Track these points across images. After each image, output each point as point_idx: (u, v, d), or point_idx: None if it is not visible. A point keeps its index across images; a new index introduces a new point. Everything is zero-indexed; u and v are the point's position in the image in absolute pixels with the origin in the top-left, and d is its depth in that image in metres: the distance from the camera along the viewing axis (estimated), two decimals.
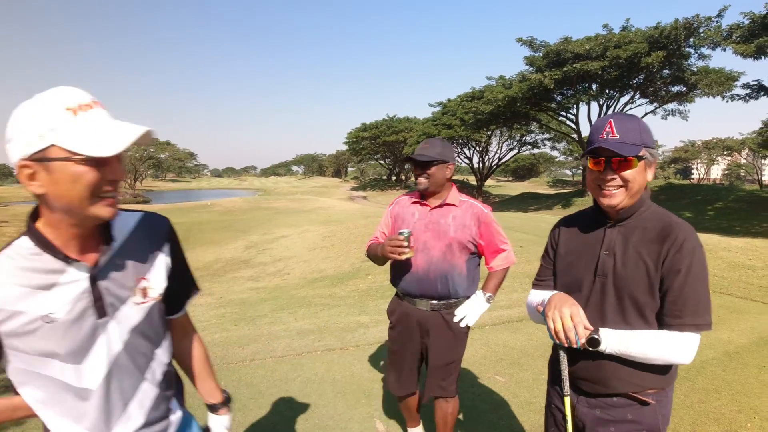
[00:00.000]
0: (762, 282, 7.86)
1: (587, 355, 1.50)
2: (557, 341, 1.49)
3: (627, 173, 1.46)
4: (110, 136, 0.97)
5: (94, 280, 1.08)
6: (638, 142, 1.44)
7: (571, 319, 1.45)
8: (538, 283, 1.78)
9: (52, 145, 0.95)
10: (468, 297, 2.56)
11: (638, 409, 1.51)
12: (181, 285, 1.33)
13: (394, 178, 76.77)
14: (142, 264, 1.18)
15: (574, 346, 1.46)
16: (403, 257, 2.37)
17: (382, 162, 79.40)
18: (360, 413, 3.36)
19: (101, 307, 1.09)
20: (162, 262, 1.23)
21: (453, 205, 2.52)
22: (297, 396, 3.59)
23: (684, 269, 1.42)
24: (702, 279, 1.44)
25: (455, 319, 2.50)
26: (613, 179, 1.47)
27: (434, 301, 2.52)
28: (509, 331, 5.28)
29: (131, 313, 1.14)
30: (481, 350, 4.63)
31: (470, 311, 2.51)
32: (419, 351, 2.64)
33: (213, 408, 1.46)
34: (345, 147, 78.72)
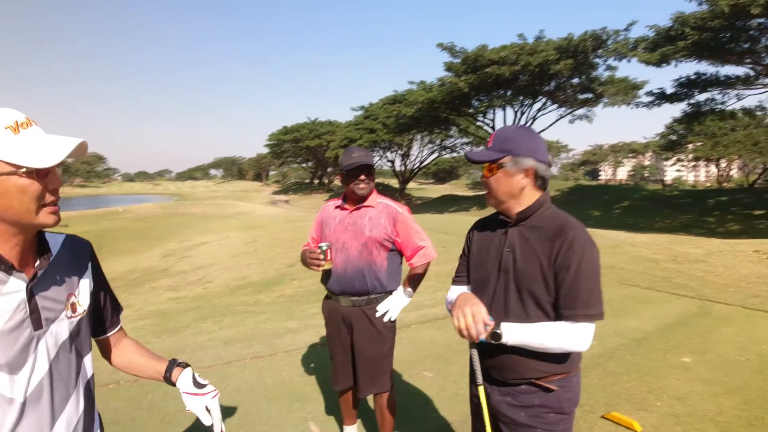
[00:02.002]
0: (665, 273, 8.64)
1: (495, 347, 1.66)
2: (462, 337, 1.64)
3: (488, 180, 1.69)
4: (49, 148, 1.06)
5: (31, 293, 1.12)
6: (499, 150, 1.65)
7: (472, 317, 1.59)
8: (456, 279, 1.96)
9: None
10: (389, 292, 2.72)
11: (544, 395, 1.68)
12: (109, 302, 1.43)
13: (317, 181, 76.35)
14: (71, 281, 1.25)
15: (477, 341, 1.62)
16: (321, 269, 2.61)
17: (304, 165, 78.73)
18: (294, 417, 3.40)
19: (37, 319, 1.13)
20: (86, 280, 1.30)
21: (370, 206, 2.71)
22: (228, 405, 3.57)
23: (575, 265, 1.56)
24: (592, 273, 1.58)
25: (377, 314, 2.66)
26: (485, 183, 1.71)
27: (354, 298, 2.68)
28: (434, 328, 5.49)
29: (62, 327, 1.19)
30: (408, 348, 4.79)
31: (391, 306, 2.68)
32: (348, 346, 2.77)
33: (167, 376, 1.45)
34: (266, 150, 77.32)
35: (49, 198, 1.10)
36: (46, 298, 1.15)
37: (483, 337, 1.59)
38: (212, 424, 1.44)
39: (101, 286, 1.38)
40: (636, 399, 3.72)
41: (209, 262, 14.43)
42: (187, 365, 1.47)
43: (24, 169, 1.03)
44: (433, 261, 2.82)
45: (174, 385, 1.45)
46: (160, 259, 15.65)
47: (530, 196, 1.69)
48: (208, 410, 1.43)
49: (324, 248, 2.57)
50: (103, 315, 1.40)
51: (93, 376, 1.33)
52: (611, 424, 3.31)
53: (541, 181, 1.69)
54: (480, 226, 1.91)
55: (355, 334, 2.71)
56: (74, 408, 1.22)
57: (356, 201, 2.71)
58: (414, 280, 2.75)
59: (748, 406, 3.57)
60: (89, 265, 1.33)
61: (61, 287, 1.20)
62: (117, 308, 1.46)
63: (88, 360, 1.30)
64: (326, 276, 2.75)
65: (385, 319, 2.67)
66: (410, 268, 2.78)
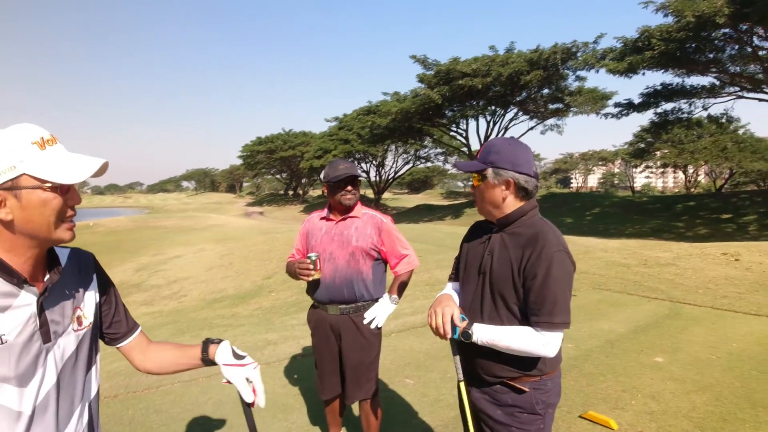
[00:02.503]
0: (636, 278, 8.86)
1: (474, 348, 1.76)
2: (435, 335, 1.77)
3: (476, 189, 1.81)
4: (74, 166, 1.10)
5: (41, 306, 1.14)
6: (483, 161, 1.76)
7: (442, 317, 1.73)
8: (451, 276, 2.10)
9: (23, 174, 1.05)
10: (375, 300, 2.78)
11: (515, 395, 1.76)
12: (122, 309, 1.43)
13: (291, 192, 75.90)
14: (77, 294, 1.26)
15: (446, 338, 1.74)
16: (311, 279, 2.64)
17: (278, 177, 78.21)
18: (278, 428, 3.39)
19: (46, 332, 1.14)
20: (91, 293, 1.32)
21: (356, 217, 2.77)
22: (211, 418, 3.55)
23: (541, 274, 1.62)
24: (560, 283, 1.62)
25: (365, 321, 2.71)
26: (473, 192, 1.83)
27: (342, 306, 2.73)
28: (414, 336, 5.54)
29: (69, 341, 1.21)
30: (389, 356, 4.82)
31: (378, 313, 2.73)
32: (336, 354, 2.81)
33: (205, 357, 1.43)
34: (239, 161, 76.63)
35: (68, 214, 1.14)
36: (54, 312, 1.18)
37: (449, 336, 1.72)
38: (254, 400, 1.39)
39: (110, 296, 1.39)
40: (611, 398, 3.82)
41: (184, 276, 14.23)
42: (222, 340, 1.45)
43: (49, 184, 1.07)
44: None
45: (213, 363, 1.42)
46: (133, 273, 15.38)
47: (512, 205, 1.77)
48: (249, 382, 1.40)
49: (313, 258, 2.61)
50: (117, 323, 1.40)
51: (98, 391, 1.34)
52: (589, 423, 3.40)
53: (523, 192, 1.75)
54: (473, 228, 2.01)
55: (343, 342, 2.75)
56: (78, 422, 1.23)
57: (342, 212, 2.77)
58: (399, 287, 2.81)
59: (720, 402, 3.70)
60: (94, 276, 1.35)
61: (68, 301, 1.22)
62: (130, 316, 1.45)
63: (93, 374, 1.31)
64: (313, 286, 2.79)
65: (372, 326, 2.72)
66: (395, 276, 2.84)
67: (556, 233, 1.71)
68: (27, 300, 1.12)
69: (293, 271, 2.73)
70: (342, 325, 2.74)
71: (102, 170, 1.14)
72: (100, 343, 1.39)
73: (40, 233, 1.11)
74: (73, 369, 1.22)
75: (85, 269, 1.32)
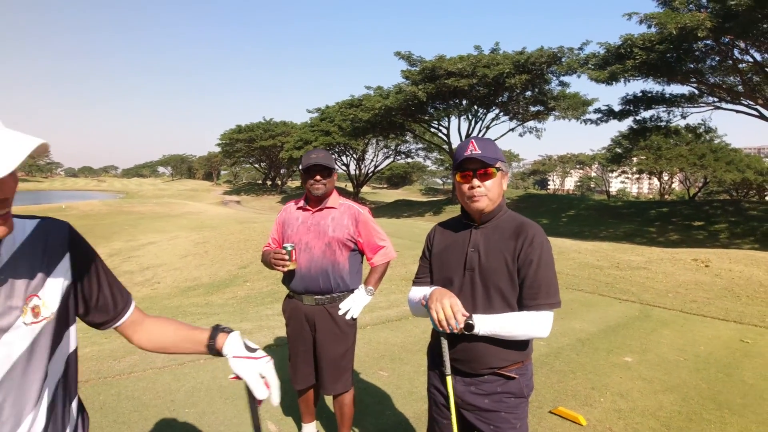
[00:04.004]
0: (608, 279, 9.04)
1: (462, 339, 1.79)
2: (440, 329, 1.74)
3: (489, 182, 1.79)
4: (1, 150, 0.83)
5: None
6: (494, 156, 1.78)
7: (450, 308, 1.70)
8: (418, 280, 2.03)
9: None
10: (351, 290, 2.77)
11: (505, 382, 1.81)
12: (108, 286, 1.22)
13: (269, 182, 75.26)
14: (34, 279, 1.04)
15: (455, 331, 1.72)
16: (286, 269, 2.63)
17: (257, 166, 77.48)
18: (247, 417, 3.37)
19: None
20: (59, 276, 1.09)
21: (333, 207, 2.76)
22: (184, 405, 3.51)
23: (536, 259, 1.73)
24: (550, 266, 1.77)
25: (340, 312, 2.70)
26: (480, 187, 1.78)
27: (318, 296, 2.71)
28: (389, 329, 5.56)
29: (18, 337, 1.00)
30: (364, 348, 4.83)
31: (353, 304, 2.73)
32: (311, 345, 2.79)
33: (211, 344, 1.29)
34: (218, 149, 75.69)
35: None
36: None
37: (461, 326, 1.71)
38: (267, 396, 1.27)
39: (91, 273, 1.18)
40: (581, 395, 3.89)
41: (157, 263, 14.04)
42: (232, 330, 1.31)
43: None
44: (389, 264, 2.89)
45: (219, 354, 1.28)
46: (105, 258, 14.99)
47: (500, 199, 1.86)
48: (262, 377, 1.26)
49: (289, 249, 2.60)
50: (104, 305, 1.21)
51: (67, 389, 1.15)
52: (558, 418, 3.46)
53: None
54: (441, 228, 2.02)
55: (318, 332, 2.73)
56: (30, 429, 1.04)
57: (318, 201, 2.74)
58: (375, 279, 2.81)
59: (686, 402, 3.80)
60: (66, 254, 1.12)
61: (17, 288, 1.00)
62: (122, 291, 1.26)
63: (62, 380, 1.12)
64: (288, 276, 2.76)
65: (348, 317, 2.71)
66: (371, 267, 2.84)
67: (536, 223, 1.84)
68: None
69: (269, 261, 2.71)
70: (317, 316, 2.72)
71: (38, 153, 0.88)
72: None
73: None
74: (24, 371, 1.01)
75: (53, 246, 1.09)
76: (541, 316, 1.74)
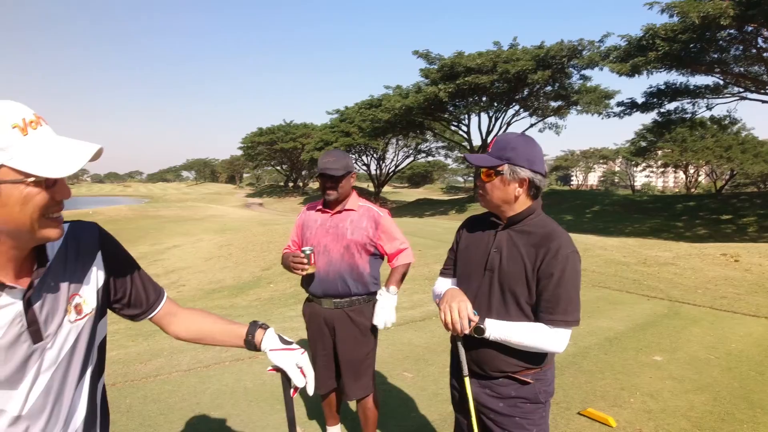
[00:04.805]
0: (635, 276, 8.86)
1: (476, 343, 1.76)
2: (447, 330, 1.72)
3: (485, 185, 1.76)
4: (63, 155, 0.94)
5: (28, 304, 1.02)
6: (498, 157, 1.71)
7: (458, 312, 1.69)
8: (444, 271, 2.04)
9: (2, 166, 0.90)
10: (371, 293, 2.73)
11: (519, 387, 1.78)
12: (140, 280, 1.30)
13: (291, 184, 75.81)
14: (74, 279, 1.13)
15: (461, 334, 1.70)
16: (305, 273, 2.61)
17: (279, 168, 78.10)
18: (275, 419, 3.38)
19: (36, 331, 1.03)
20: (94, 274, 1.18)
21: (352, 210, 2.71)
22: (209, 408, 3.54)
23: (557, 274, 1.65)
24: (573, 282, 1.67)
25: (378, 326, 2.64)
26: (480, 186, 1.78)
27: (337, 300, 2.68)
28: (413, 330, 5.53)
29: (66, 334, 1.09)
30: (387, 350, 4.82)
31: (382, 312, 2.65)
32: (331, 348, 2.77)
33: (249, 339, 1.36)
34: (240, 152, 76.52)
35: (55, 210, 0.99)
36: (45, 307, 1.05)
37: (467, 331, 1.69)
38: (305, 385, 1.35)
39: (123, 270, 1.26)
40: (610, 396, 3.81)
41: (182, 266, 14.24)
42: (268, 326, 1.40)
43: (33, 178, 0.91)
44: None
45: (257, 348, 1.36)
46: None
47: (523, 203, 1.76)
48: (299, 368, 1.34)
49: (308, 252, 2.58)
50: (137, 299, 1.29)
51: (104, 384, 1.27)
52: (587, 420, 3.39)
53: (534, 190, 1.76)
54: (471, 223, 1.97)
55: (337, 336, 2.70)
56: (78, 419, 1.15)
57: (336, 204, 2.71)
58: (396, 279, 2.75)
59: (718, 402, 3.70)
60: (98, 253, 1.20)
61: (61, 290, 1.09)
62: (154, 284, 1.34)
63: (96, 365, 1.21)
64: (307, 279, 2.74)
65: (385, 326, 2.65)
66: (391, 269, 2.80)
67: (566, 233, 1.74)
68: (8, 300, 0.99)
69: (288, 264, 2.69)
70: (336, 319, 2.69)
71: (95, 158, 0.99)
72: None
73: (22, 233, 0.97)
74: (70, 365, 1.11)
75: (86, 247, 1.17)
76: (555, 332, 1.67)
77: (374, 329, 2.76)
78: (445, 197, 55.18)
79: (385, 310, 2.66)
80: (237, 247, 15.37)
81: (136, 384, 3.99)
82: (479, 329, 1.67)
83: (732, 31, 19.40)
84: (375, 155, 50.57)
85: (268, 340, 1.36)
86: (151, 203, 48.96)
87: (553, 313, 1.66)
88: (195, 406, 3.56)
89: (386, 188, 62.21)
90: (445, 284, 1.96)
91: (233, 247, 15.43)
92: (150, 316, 1.34)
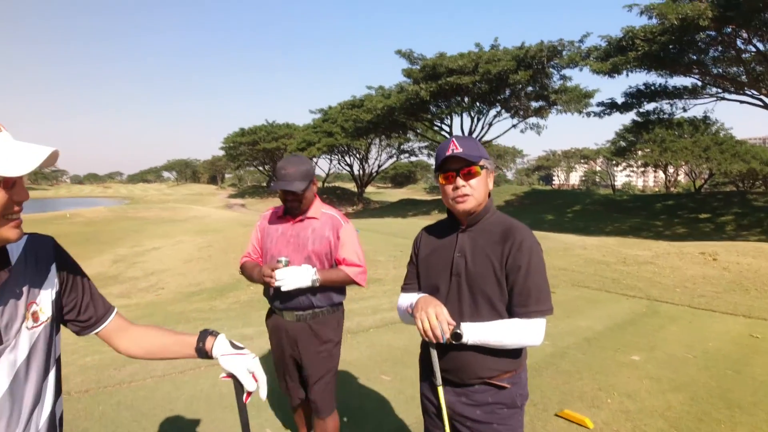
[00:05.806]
0: (614, 275, 8.94)
1: (450, 349, 1.71)
2: (426, 338, 1.67)
3: (473, 181, 1.70)
4: (19, 156, 0.98)
5: None
6: (477, 154, 1.70)
7: (436, 317, 1.63)
8: (406, 286, 1.96)
9: None
10: (336, 305, 2.62)
11: (496, 392, 1.74)
12: (90, 293, 1.32)
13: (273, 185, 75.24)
14: (32, 287, 1.16)
15: (441, 341, 1.64)
16: (276, 284, 2.35)
17: (261, 168, 77.53)
18: (251, 425, 3.31)
19: None
20: (50, 284, 1.21)
21: (314, 218, 2.57)
22: (183, 414, 3.46)
23: (524, 265, 1.66)
24: (541, 272, 1.69)
25: (276, 283, 2.35)
26: (464, 187, 1.70)
27: (299, 312, 2.54)
28: (392, 332, 5.49)
29: (23, 340, 1.12)
30: (366, 352, 4.77)
31: (290, 276, 2.36)
32: (294, 361, 2.65)
33: (200, 347, 1.37)
34: (221, 152, 75.76)
35: (14, 211, 1.03)
36: (6, 311, 1.08)
37: (447, 336, 1.64)
38: (255, 389, 1.37)
39: (74, 281, 1.29)
40: (587, 396, 3.81)
41: (161, 268, 14.03)
42: (218, 333, 1.40)
43: None
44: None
45: (208, 356, 1.37)
46: (111, 265, 15.10)
47: (486, 199, 1.77)
48: (250, 372, 1.36)
49: (284, 262, 2.37)
50: (86, 309, 1.30)
51: (59, 389, 1.26)
52: (564, 421, 3.38)
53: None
54: (427, 232, 1.95)
55: (301, 350, 2.58)
56: (35, 427, 1.15)
57: (297, 212, 2.56)
58: (331, 274, 2.49)
59: (695, 402, 3.72)
60: (52, 265, 1.24)
61: (20, 297, 1.12)
62: (104, 299, 1.36)
63: (55, 381, 1.22)
64: (270, 290, 2.56)
65: (276, 284, 2.35)
66: (337, 267, 2.57)
67: (525, 225, 1.76)
68: None
69: (253, 275, 2.53)
70: (299, 332, 2.56)
71: (52, 160, 1.02)
72: (73, 336, 1.32)
73: None
74: (26, 371, 1.12)
75: (42, 257, 1.21)
76: (532, 324, 1.66)
77: (338, 345, 2.65)
78: (429, 197, 55.26)
79: (292, 276, 2.35)
80: (217, 248, 15.21)
81: (110, 390, 3.89)
82: (457, 335, 1.63)
83: (711, 32, 19.69)
84: (358, 156, 50.51)
85: (219, 346, 1.37)
86: (131, 204, 48.22)
87: (527, 305, 1.66)
88: (168, 413, 3.48)
89: (369, 188, 62.14)
90: (409, 299, 1.87)
91: (213, 249, 15.26)
92: (98, 330, 1.33)
